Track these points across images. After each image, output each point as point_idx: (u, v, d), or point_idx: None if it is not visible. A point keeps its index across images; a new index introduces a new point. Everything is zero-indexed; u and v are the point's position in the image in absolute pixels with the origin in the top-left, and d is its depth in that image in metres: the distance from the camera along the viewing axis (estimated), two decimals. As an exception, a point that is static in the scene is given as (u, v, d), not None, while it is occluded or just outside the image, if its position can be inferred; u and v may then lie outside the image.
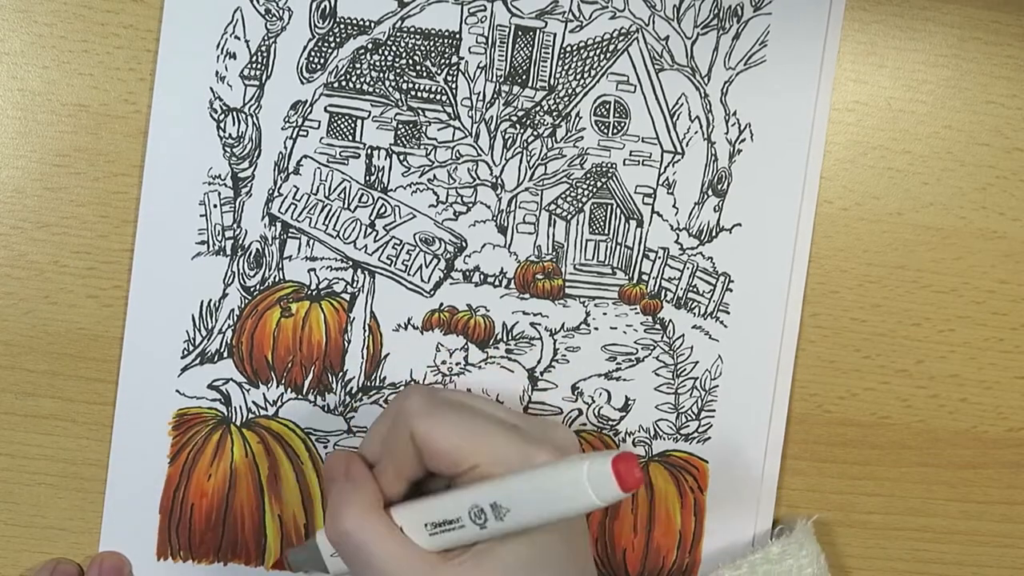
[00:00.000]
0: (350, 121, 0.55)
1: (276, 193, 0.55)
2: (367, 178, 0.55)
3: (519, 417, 0.49)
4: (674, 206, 0.57)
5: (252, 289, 0.55)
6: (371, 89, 0.55)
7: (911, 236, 0.60)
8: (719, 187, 0.58)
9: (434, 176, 0.56)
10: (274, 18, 0.54)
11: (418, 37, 0.55)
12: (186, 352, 0.55)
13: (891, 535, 0.61)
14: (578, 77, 0.56)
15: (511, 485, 0.44)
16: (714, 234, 0.58)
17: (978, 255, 0.60)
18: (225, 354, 0.55)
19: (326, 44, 0.54)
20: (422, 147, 0.55)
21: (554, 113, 0.56)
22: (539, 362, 0.57)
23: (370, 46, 0.55)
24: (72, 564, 0.55)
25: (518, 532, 0.45)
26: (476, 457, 0.45)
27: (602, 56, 0.56)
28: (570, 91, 0.56)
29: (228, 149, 0.54)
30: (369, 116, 0.55)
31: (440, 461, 0.46)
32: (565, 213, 0.57)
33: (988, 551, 0.62)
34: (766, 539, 0.59)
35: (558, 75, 0.56)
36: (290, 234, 0.55)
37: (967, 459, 0.61)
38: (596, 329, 0.57)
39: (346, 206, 0.55)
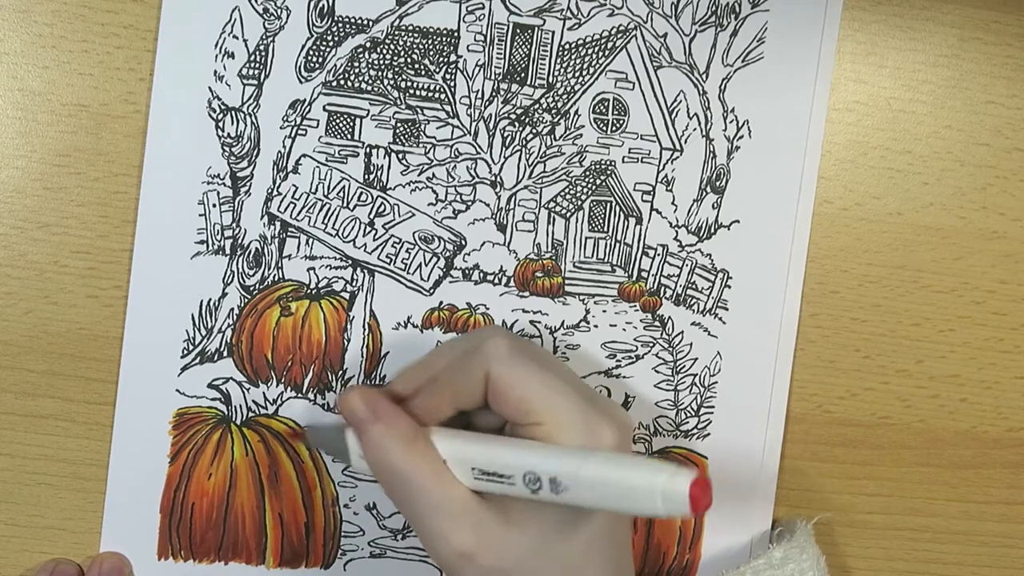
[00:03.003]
0: (349, 120, 0.55)
1: (275, 192, 0.55)
2: (366, 177, 0.55)
3: (586, 388, 0.48)
4: (673, 203, 0.57)
5: (251, 288, 0.55)
6: (369, 88, 0.55)
7: (911, 236, 0.60)
8: (718, 184, 0.58)
9: (433, 174, 0.56)
10: (272, 17, 0.54)
11: (416, 35, 0.55)
12: (186, 351, 0.55)
13: (891, 535, 0.61)
14: (577, 75, 0.56)
15: (577, 467, 0.43)
16: (713, 231, 0.58)
17: (978, 255, 0.60)
18: (225, 353, 0.55)
19: (324, 43, 0.55)
20: (421, 145, 0.56)
21: (553, 111, 0.56)
22: (539, 360, 0.57)
23: (368, 45, 0.55)
24: (72, 564, 0.55)
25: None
26: (543, 415, 0.45)
27: (600, 53, 0.56)
28: (569, 89, 0.56)
29: (227, 148, 0.54)
30: (368, 115, 0.55)
31: (507, 408, 0.46)
32: (564, 211, 0.57)
33: (988, 551, 0.62)
34: (765, 537, 0.59)
35: (557, 73, 0.56)
36: (289, 233, 0.55)
37: (967, 459, 0.61)
38: (596, 327, 0.57)
39: (345, 205, 0.55)
